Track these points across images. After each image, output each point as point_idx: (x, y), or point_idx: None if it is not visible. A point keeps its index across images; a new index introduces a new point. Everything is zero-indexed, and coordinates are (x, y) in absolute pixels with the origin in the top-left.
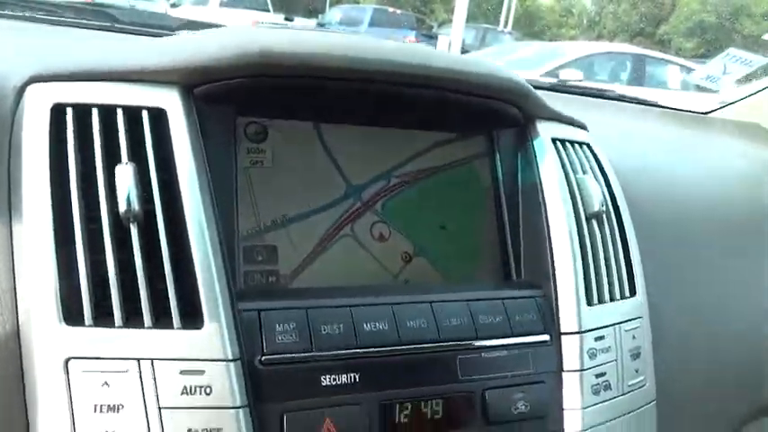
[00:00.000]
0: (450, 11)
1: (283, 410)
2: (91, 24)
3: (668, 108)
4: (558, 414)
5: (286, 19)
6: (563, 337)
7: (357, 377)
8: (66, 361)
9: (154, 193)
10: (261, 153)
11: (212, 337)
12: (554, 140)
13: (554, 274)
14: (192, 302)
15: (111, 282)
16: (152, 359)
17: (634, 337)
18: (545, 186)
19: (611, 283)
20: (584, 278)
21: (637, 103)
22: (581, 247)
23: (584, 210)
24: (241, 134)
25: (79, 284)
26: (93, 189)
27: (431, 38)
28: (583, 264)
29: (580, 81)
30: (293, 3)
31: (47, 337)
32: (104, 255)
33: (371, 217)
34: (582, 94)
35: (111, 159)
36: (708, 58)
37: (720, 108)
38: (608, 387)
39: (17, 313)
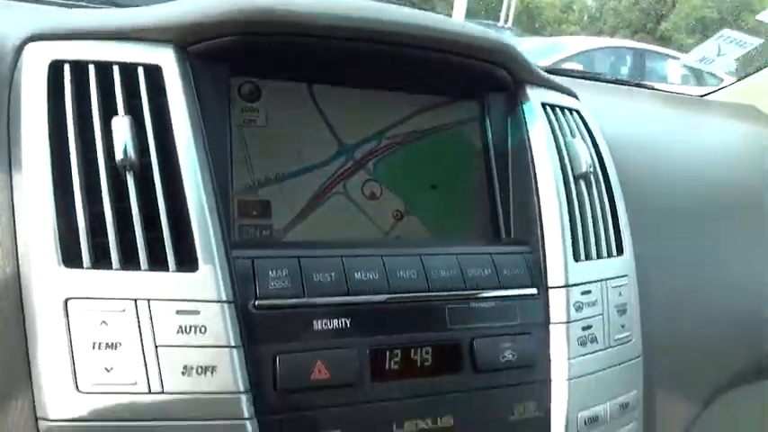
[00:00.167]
0: (450, 6)
1: (276, 352)
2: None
3: (664, 91)
4: (545, 364)
5: None
6: (550, 290)
7: (348, 323)
8: (66, 301)
9: (150, 144)
10: (254, 112)
11: (207, 279)
12: (544, 105)
13: (542, 231)
14: (187, 247)
15: (108, 226)
16: (148, 299)
17: (621, 294)
18: (534, 148)
19: (597, 241)
20: (572, 235)
21: (633, 85)
22: (568, 205)
23: (573, 171)
24: (235, 94)
25: (77, 229)
26: (91, 140)
27: None
28: (570, 221)
29: None
30: None
31: (47, 279)
32: (101, 201)
33: (363, 176)
34: (578, 77)
35: (108, 113)
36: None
37: (716, 91)
38: (594, 340)
39: (18, 257)
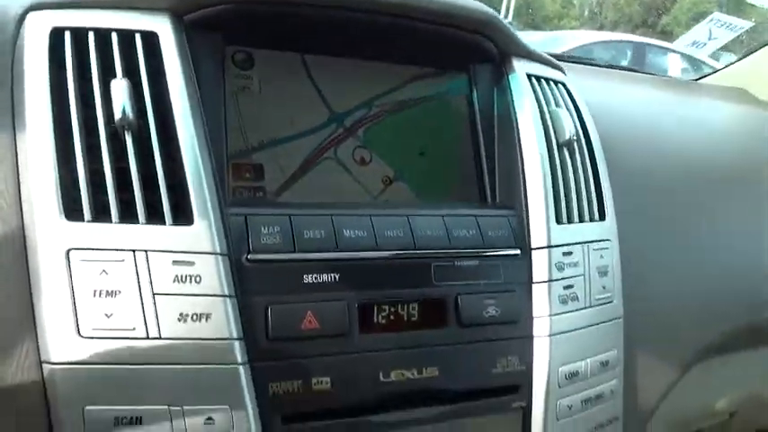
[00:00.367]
0: None
1: (268, 303)
2: None
3: (658, 75)
4: (527, 320)
5: None
6: (533, 251)
7: (337, 277)
8: (68, 252)
9: (147, 106)
10: (248, 80)
11: (201, 232)
12: (529, 77)
13: (526, 196)
14: (183, 202)
15: (107, 182)
16: (146, 251)
17: (602, 257)
18: (519, 117)
19: (580, 206)
20: (554, 199)
21: (627, 70)
22: (552, 172)
23: (556, 139)
24: (229, 62)
25: (79, 185)
26: (90, 102)
27: None
28: (553, 187)
29: None
30: None
31: (50, 232)
32: (101, 159)
33: (354, 142)
34: (571, 62)
35: (107, 77)
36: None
37: (708, 75)
38: (575, 298)
39: (22, 212)
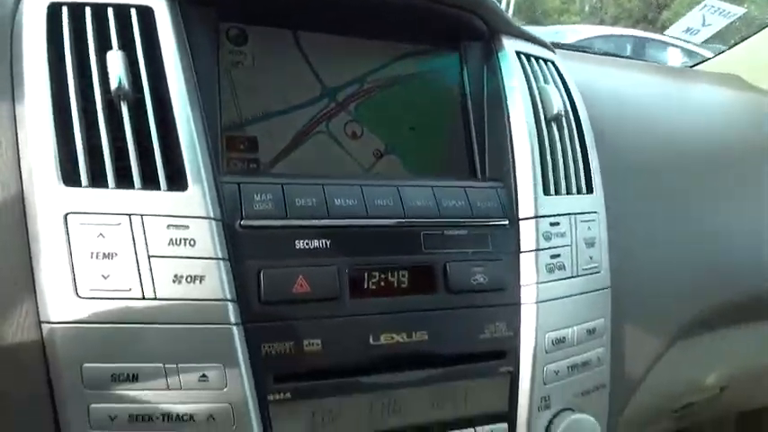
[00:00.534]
0: None
1: (260, 267)
2: None
3: (654, 63)
4: (514, 288)
5: None
6: (521, 222)
7: (328, 244)
8: (66, 216)
9: (142, 77)
10: (242, 55)
11: (195, 197)
12: (519, 54)
13: (514, 169)
14: (177, 169)
15: (103, 149)
16: (142, 215)
17: (589, 228)
18: (508, 93)
19: (567, 179)
20: (542, 171)
21: (623, 57)
22: (540, 145)
23: (545, 114)
24: (223, 37)
25: (76, 152)
26: (87, 73)
27: None
28: (541, 160)
29: None
30: None
31: (48, 196)
32: (98, 127)
33: (345, 116)
34: (564, 49)
35: (103, 49)
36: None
37: (702, 62)
38: (562, 267)
39: (21, 179)
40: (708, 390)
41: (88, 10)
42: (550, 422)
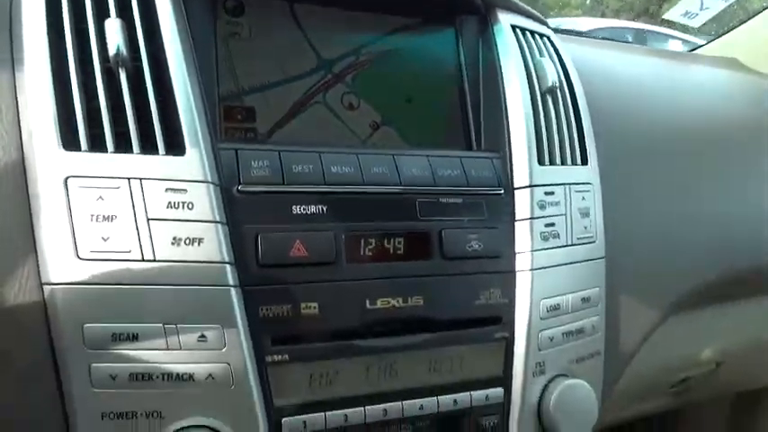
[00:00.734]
0: None
1: (258, 231)
2: None
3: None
4: (510, 256)
5: None
6: (515, 191)
7: (325, 209)
8: (66, 179)
9: (140, 45)
10: (239, 26)
11: (193, 161)
12: (514, 28)
13: (509, 140)
14: (176, 134)
15: (102, 114)
16: (140, 178)
17: (584, 199)
18: (503, 66)
19: (562, 149)
20: (537, 142)
21: (622, 42)
22: (534, 117)
23: (539, 86)
24: (220, 9)
25: (75, 117)
26: (85, 40)
27: None
28: (536, 131)
29: None
30: None
31: (49, 161)
32: (96, 93)
33: (342, 88)
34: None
35: (101, 17)
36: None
37: (700, 47)
38: (556, 236)
39: (22, 143)
40: (704, 364)
41: None
42: (545, 387)
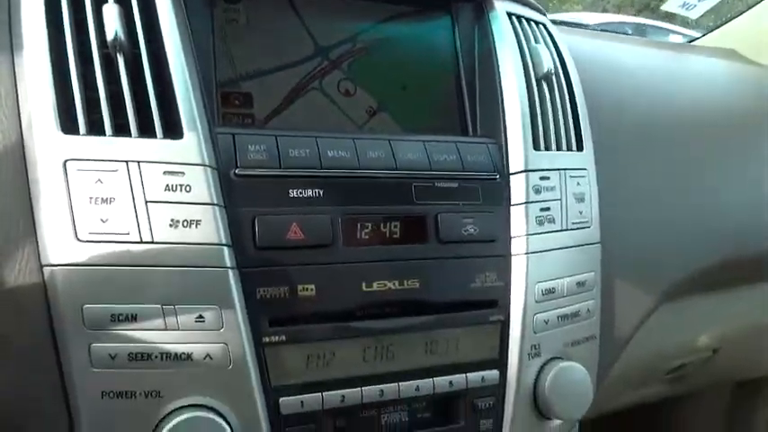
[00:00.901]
0: None
1: (255, 214)
2: None
3: (650, 40)
4: (505, 240)
5: None
6: (511, 176)
7: (321, 193)
8: (65, 162)
9: (137, 30)
10: (236, 13)
11: (191, 145)
12: (510, 15)
13: (504, 126)
14: (173, 118)
15: (101, 99)
16: (138, 161)
17: (579, 184)
18: (499, 53)
19: (557, 135)
20: (532, 127)
21: (621, 33)
22: (530, 103)
23: (535, 73)
24: None
25: (74, 101)
26: (84, 25)
27: None
28: (531, 117)
29: None
30: None
31: (48, 144)
32: (95, 77)
33: (338, 74)
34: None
35: (99, 2)
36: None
37: (698, 38)
38: (552, 220)
39: (21, 127)
40: (700, 351)
41: None
42: (541, 369)
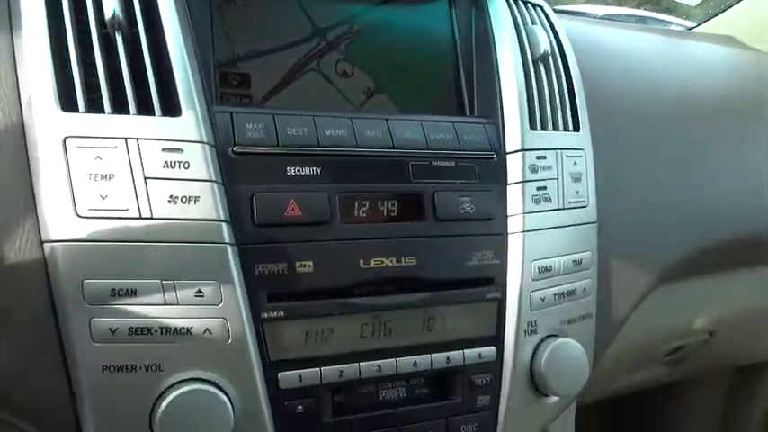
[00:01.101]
0: None
1: (253, 191)
2: None
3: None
4: (502, 218)
5: None
6: (508, 156)
7: (319, 171)
8: (64, 140)
9: (135, 9)
10: None
11: (189, 122)
12: None
13: (501, 106)
14: (171, 97)
15: (99, 77)
16: (137, 138)
17: (575, 164)
18: (496, 34)
19: (554, 116)
20: (529, 108)
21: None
22: (527, 83)
23: (532, 54)
24: None
25: (73, 79)
26: (82, 4)
27: None
28: (528, 97)
29: None
30: None
31: (47, 122)
32: (93, 56)
33: (336, 56)
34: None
35: None
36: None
37: (697, 26)
38: (548, 199)
39: (21, 107)
40: (697, 333)
41: None
42: (537, 346)
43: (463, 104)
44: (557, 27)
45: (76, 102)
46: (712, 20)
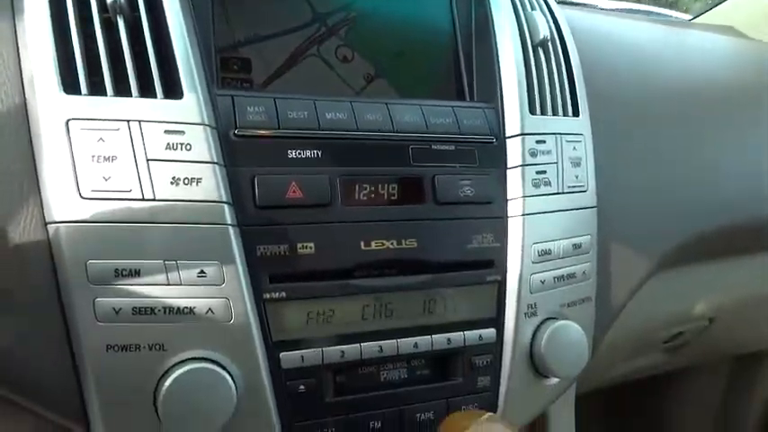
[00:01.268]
0: None
1: (255, 173)
2: None
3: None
4: (501, 202)
5: None
6: (507, 140)
7: (320, 154)
8: (67, 122)
9: None
10: None
11: (191, 105)
12: None
13: (501, 91)
14: (173, 80)
15: (101, 60)
16: (140, 120)
17: (575, 149)
18: (495, 20)
19: (554, 101)
20: (528, 92)
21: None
22: (526, 68)
23: (531, 39)
24: None
25: (75, 62)
26: None
27: None
28: (527, 82)
29: None
30: None
31: (50, 104)
32: (95, 38)
33: (336, 41)
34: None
35: None
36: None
37: (697, 16)
38: (548, 183)
39: (24, 89)
40: (696, 320)
41: None
42: (537, 328)
43: (463, 89)
44: (556, 13)
45: (79, 85)
46: (711, 11)
